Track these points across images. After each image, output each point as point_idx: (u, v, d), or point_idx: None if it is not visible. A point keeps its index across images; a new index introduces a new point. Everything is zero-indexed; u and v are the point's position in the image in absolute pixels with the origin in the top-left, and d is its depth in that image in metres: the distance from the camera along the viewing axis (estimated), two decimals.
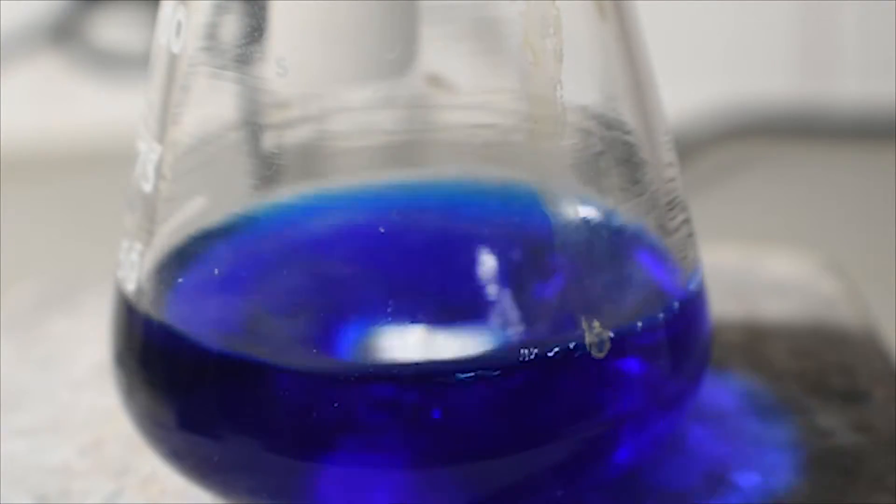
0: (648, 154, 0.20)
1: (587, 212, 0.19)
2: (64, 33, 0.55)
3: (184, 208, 0.20)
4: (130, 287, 0.20)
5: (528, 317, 0.19)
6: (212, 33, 0.19)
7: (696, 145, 0.48)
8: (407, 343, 0.18)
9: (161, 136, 0.20)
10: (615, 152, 0.20)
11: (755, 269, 0.29)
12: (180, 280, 0.20)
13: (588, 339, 0.18)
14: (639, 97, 0.20)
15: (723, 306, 0.26)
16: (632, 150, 0.20)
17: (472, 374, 0.18)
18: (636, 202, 0.20)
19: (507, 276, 0.19)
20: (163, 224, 0.20)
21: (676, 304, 0.20)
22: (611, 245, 0.19)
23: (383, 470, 0.18)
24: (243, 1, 0.19)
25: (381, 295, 0.19)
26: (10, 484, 0.21)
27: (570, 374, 0.18)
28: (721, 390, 0.23)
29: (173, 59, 0.20)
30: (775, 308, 0.27)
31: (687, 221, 0.21)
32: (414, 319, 0.19)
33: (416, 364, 0.18)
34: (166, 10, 0.20)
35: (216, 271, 0.20)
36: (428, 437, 0.18)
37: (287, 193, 0.20)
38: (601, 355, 0.18)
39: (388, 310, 0.19)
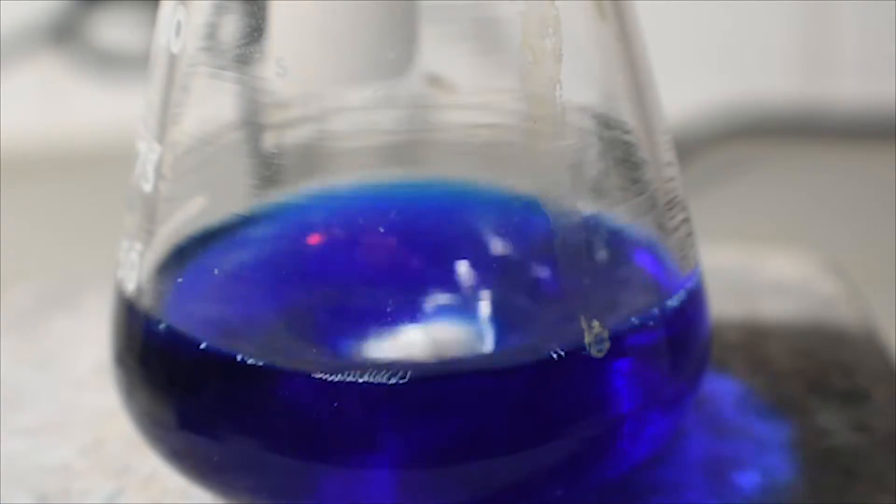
0: (648, 153, 0.20)
1: (586, 211, 0.19)
2: (64, 33, 0.55)
3: (184, 208, 0.20)
4: (130, 287, 0.20)
5: (527, 316, 0.19)
6: (212, 33, 0.19)
7: (696, 145, 0.48)
8: (406, 343, 0.18)
9: (161, 136, 0.20)
10: (614, 152, 0.20)
11: (755, 269, 0.29)
12: (180, 280, 0.20)
13: (587, 338, 0.18)
14: (638, 97, 0.20)
15: (723, 306, 0.26)
16: (631, 149, 0.20)
17: (472, 373, 0.18)
18: (635, 202, 0.20)
19: (507, 275, 0.19)
20: (163, 224, 0.20)
21: (676, 304, 0.20)
22: (610, 244, 0.19)
23: (383, 470, 0.18)
24: (243, 1, 0.19)
25: (381, 295, 0.19)
26: (10, 484, 0.21)
27: (569, 373, 0.18)
28: (721, 390, 0.23)
29: (173, 59, 0.20)
30: (775, 308, 0.27)
31: (686, 221, 0.21)
32: (413, 319, 0.19)
33: (416, 364, 0.18)
34: (166, 10, 0.20)
35: (216, 271, 0.20)
36: (428, 437, 0.18)
37: (287, 193, 0.20)
38: (600, 355, 0.18)
39: (388, 310, 0.19)
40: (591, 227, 0.19)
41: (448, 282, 0.20)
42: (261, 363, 0.18)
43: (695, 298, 0.20)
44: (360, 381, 0.18)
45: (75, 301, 0.29)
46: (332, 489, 0.18)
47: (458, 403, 0.18)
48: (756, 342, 0.25)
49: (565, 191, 0.19)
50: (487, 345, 0.19)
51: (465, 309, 0.19)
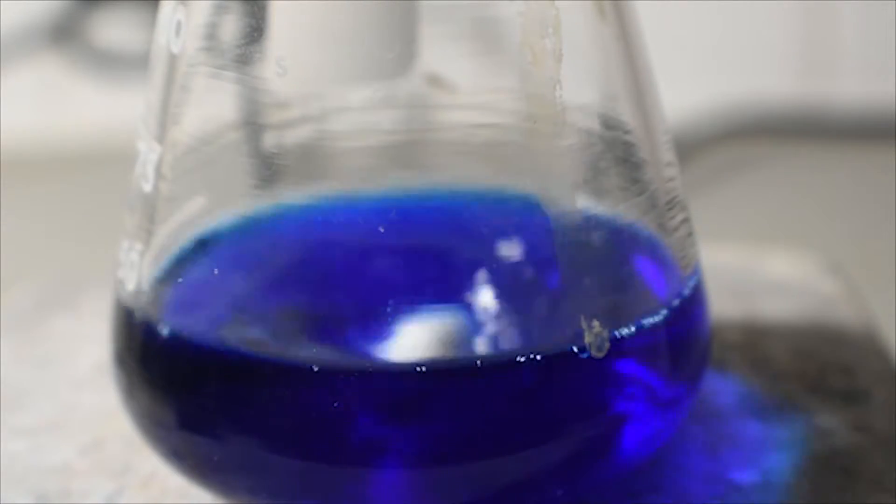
0: (648, 153, 0.20)
1: (586, 211, 0.19)
2: (64, 33, 0.55)
3: (184, 208, 0.20)
4: (130, 287, 0.20)
5: (527, 317, 0.19)
6: (212, 33, 0.19)
7: (696, 145, 0.48)
8: (406, 343, 0.18)
9: (161, 136, 0.20)
10: (615, 152, 0.20)
11: (755, 269, 0.29)
12: (180, 280, 0.20)
13: (587, 338, 0.18)
14: (638, 97, 0.20)
15: (723, 306, 0.26)
16: (631, 149, 0.20)
17: (472, 373, 0.18)
18: (636, 201, 0.20)
19: (507, 275, 0.19)
20: (163, 224, 0.20)
21: (676, 304, 0.20)
22: (610, 244, 0.19)
23: (383, 469, 0.18)
24: (243, 1, 0.19)
25: (381, 295, 0.19)
26: (10, 484, 0.21)
27: (569, 373, 0.18)
28: (721, 390, 0.23)
29: (173, 59, 0.20)
30: (775, 308, 0.27)
31: (686, 221, 0.21)
32: (413, 319, 0.19)
33: (416, 364, 0.18)
34: (166, 10, 0.20)
35: (216, 271, 0.20)
36: (428, 437, 0.18)
37: (287, 193, 0.20)
38: (600, 355, 0.18)
39: (388, 309, 0.19)
40: (591, 226, 0.19)
41: (448, 282, 0.20)
42: (260, 363, 0.18)
43: (695, 298, 0.20)
44: (360, 380, 0.18)
45: (75, 301, 0.29)
46: (332, 489, 0.18)
47: (458, 403, 0.18)
48: (756, 342, 0.25)
49: (565, 191, 0.19)
50: (487, 344, 0.19)
51: (465, 309, 0.19)
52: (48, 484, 0.21)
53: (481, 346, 0.19)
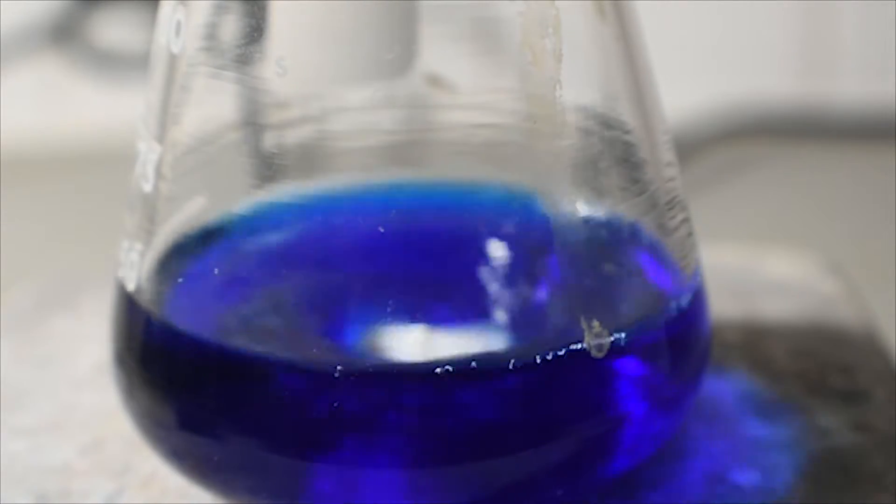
0: (648, 153, 0.20)
1: (587, 211, 0.19)
2: (64, 33, 0.55)
3: (184, 208, 0.20)
4: (130, 287, 0.20)
5: (527, 317, 0.19)
6: (212, 33, 0.19)
7: (696, 145, 0.48)
8: (406, 342, 0.18)
9: (161, 136, 0.20)
10: (614, 152, 0.20)
11: (755, 269, 0.29)
12: (180, 280, 0.20)
13: (588, 339, 0.18)
14: (638, 97, 0.20)
15: (723, 306, 0.26)
16: (631, 149, 0.20)
17: (472, 373, 0.18)
18: (636, 202, 0.20)
19: (507, 275, 0.19)
20: (163, 224, 0.20)
21: (676, 304, 0.20)
22: (610, 245, 0.19)
23: (383, 469, 0.18)
24: (243, 1, 0.19)
25: (381, 294, 0.19)
26: (10, 484, 0.21)
27: (569, 374, 0.18)
28: (721, 390, 0.23)
29: (173, 59, 0.20)
30: (775, 308, 0.27)
31: (686, 221, 0.21)
32: (413, 319, 0.19)
33: (416, 363, 0.18)
34: (166, 10, 0.20)
35: (216, 271, 0.20)
36: (428, 437, 0.18)
37: (287, 193, 0.20)
38: (601, 355, 0.18)
39: (388, 309, 0.19)
40: (591, 227, 0.19)
41: (448, 282, 0.20)
42: (261, 363, 0.18)
43: (695, 298, 0.20)
44: (360, 380, 0.18)
45: (75, 301, 0.29)
46: (333, 489, 0.18)
47: (458, 403, 0.18)
48: (756, 342, 0.25)
49: (565, 191, 0.19)
50: (487, 345, 0.19)
51: (465, 309, 0.19)
52: (48, 484, 0.21)
53: (481, 347, 0.19)
